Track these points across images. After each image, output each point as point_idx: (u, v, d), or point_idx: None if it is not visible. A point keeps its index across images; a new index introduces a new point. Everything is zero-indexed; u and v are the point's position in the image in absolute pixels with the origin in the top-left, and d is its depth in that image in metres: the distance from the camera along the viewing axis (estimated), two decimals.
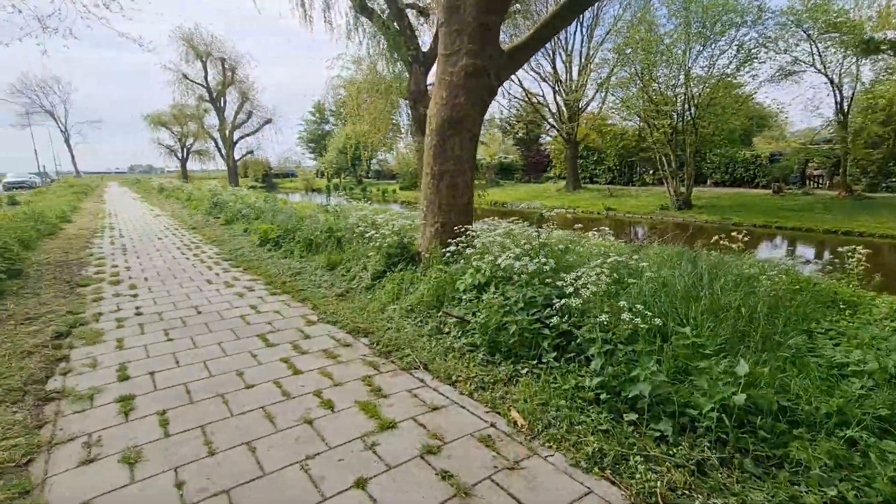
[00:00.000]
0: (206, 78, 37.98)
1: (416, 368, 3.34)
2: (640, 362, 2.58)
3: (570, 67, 27.35)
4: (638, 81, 19.50)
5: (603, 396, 2.63)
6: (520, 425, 2.56)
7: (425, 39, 15.81)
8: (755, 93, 19.75)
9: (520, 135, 38.16)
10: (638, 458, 2.21)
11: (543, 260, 3.57)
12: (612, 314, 2.88)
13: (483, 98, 5.27)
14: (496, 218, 5.77)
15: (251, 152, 44.71)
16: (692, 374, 2.59)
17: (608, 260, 3.38)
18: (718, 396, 2.30)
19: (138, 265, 7.16)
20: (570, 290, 3.11)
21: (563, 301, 3.09)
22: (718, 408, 2.28)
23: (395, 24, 14.61)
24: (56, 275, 6.35)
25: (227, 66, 37.81)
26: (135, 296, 5.38)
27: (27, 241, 8.34)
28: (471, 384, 3.04)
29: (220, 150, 42.39)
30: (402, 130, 20.85)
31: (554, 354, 3.07)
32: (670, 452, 2.23)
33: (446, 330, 3.87)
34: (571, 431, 2.45)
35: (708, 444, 2.24)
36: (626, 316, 2.73)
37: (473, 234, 4.80)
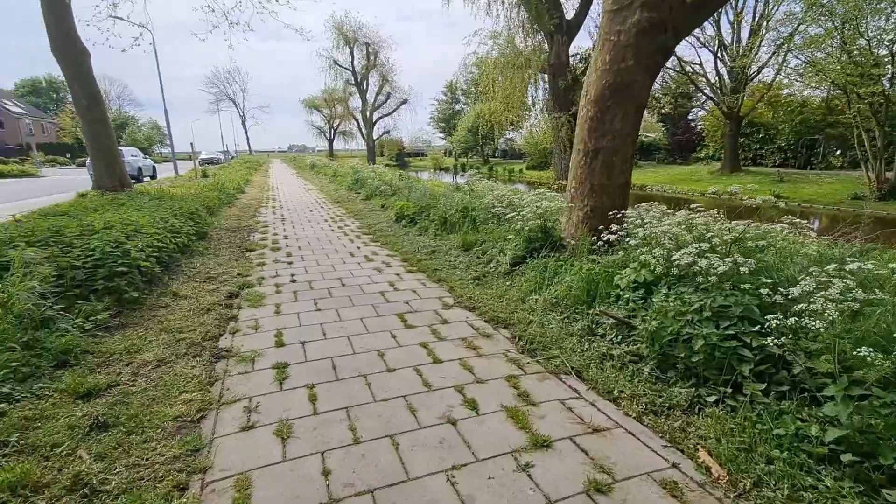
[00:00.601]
0: (352, 63, 41.09)
1: (566, 374, 2.91)
2: None
3: (739, 28, 23.19)
4: (836, 38, 15.63)
5: (845, 458, 1.91)
6: (716, 475, 1.99)
7: (570, 6, 14.63)
8: None
9: (665, 110, 34.10)
10: None
11: (741, 259, 2.80)
12: (855, 344, 2.08)
13: (656, 61, 4.44)
14: (656, 204, 4.95)
15: (388, 132, 47.55)
16: None
17: (847, 267, 2.48)
18: None
19: (294, 234, 7.87)
20: (793, 302, 2.35)
21: (775, 317, 2.35)
22: None
23: None
24: (231, 239, 7.27)
25: (370, 50, 40.31)
26: (290, 263, 5.83)
27: (212, 209, 9.79)
28: (638, 404, 2.51)
29: (361, 130, 45.86)
30: (536, 107, 19.87)
31: (760, 386, 2.37)
32: None
33: (600, 332, 3.35)
34: (797, 499, 1.81)
35: None
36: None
37: (633, 220, 4.12)
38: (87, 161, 21.92)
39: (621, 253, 3.90)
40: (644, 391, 2.62)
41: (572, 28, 13.57)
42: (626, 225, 4.31)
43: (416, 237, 7.13)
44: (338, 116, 53.28)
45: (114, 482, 1.90)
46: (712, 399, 2.46)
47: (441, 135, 70.62)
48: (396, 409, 2.51)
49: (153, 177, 23.56)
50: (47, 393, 2.58)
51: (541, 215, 5.08)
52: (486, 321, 3.83)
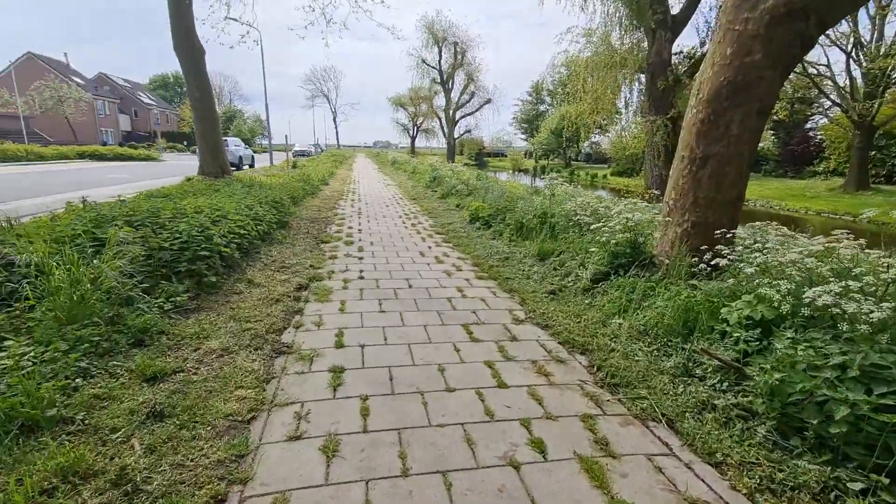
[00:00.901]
0: (439, 62, 41.63)
1: (655, 421, 2.45)
2: None
3: (883, 23, 19.93)
4: None
5: None
6: None
7: (675, 0, 13.40)
8: None
9: (779, 116, 30.48)
10: None
11: None
12: None
13: (792, 54, 3.72)
14: (774, 224, 4.20)
15: (469, 131, 47.65)
16: None
17: None
18: None
19: (367, 228, 7.94)
20: None
21: None
22: None
23: None
24: (308, 229, 7.48)
25: (458, 49, 40.54)
26: (360, 258, 5.82)
27: (296, 199, 10.25)
28: (750, 476, 2.01)
29: (442, 128, 46.39)
30: (629, 109, 18.60)
31: None
32: None
33: (699, 373, 2.82)
34: None
35: None
36: None
37: (746, 241, 3.50)
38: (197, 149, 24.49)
39: (731, 281, 3.29)
40: (758, 459, 2.11)
41: (677, 24, 12.41)
42: (737, 247, 3.68)
43: (489, 241, 6.83)
44: (422, 114, 54.43)
45: (156, 482, 1.83)
46: (857, 487, 1.90)
47: (522, 136, 69.53)
48: (453, 440, 2.24)
49: (252, 165, 25.58)
50: (119, 371, 2.65)
51: (630, 228, 4.54)
52: (560, 343, 3.43)
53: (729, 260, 3.40)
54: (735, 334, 2.81)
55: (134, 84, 64.25)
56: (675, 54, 13.26)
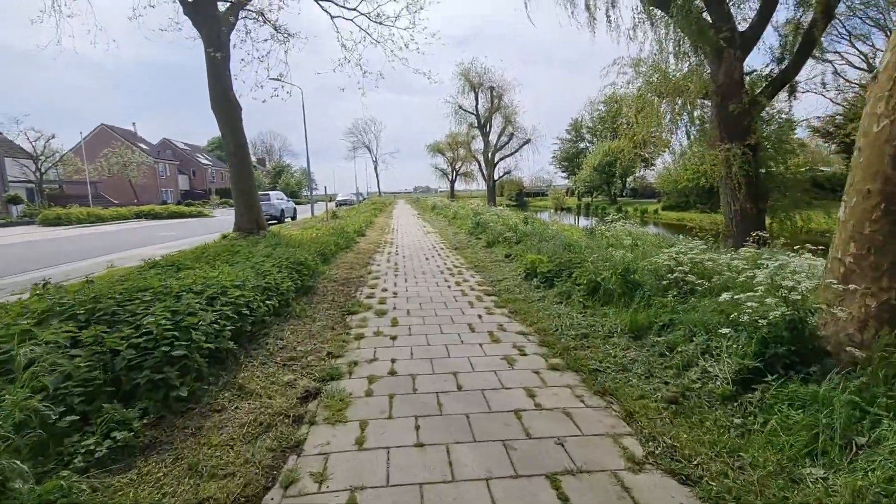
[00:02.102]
0: (476, 107, 41.77)
1: None
2: None
3: None
4: None
5: None
6: None
7: (740, 17, 12.07)
8: None
9: (853, 137, 27.60)
10: None
11: None
12: None
13: None
14: None
15: (508, 172, 47.01)
16: None
17: None
18: None
19: (405, 290, 6.72)
20: None
21: None
22: None
23: (696, 2, 11.54)
24: (335, 295, 6.36)
25: (494, 93, 40.60)
26: (393, 338, 4.54)
27: (327, 256, 9.30)
28: None
29: (482, 171, 46.00)
30: (688, 137, 16.99)
31: None
32: None
33: None
34: None
35: None
36: None
37: None
38: None
39: None
40: None
41: (747, 41, 11.02)
42: None
43: (555, 305, 5.40)
44: (460, 159, 54.61)
45: None
46: None
47: (563, 174, 68.24)
48: None
49: (294, 218, 25.65)
50: None
51: (786, 299, 3.03)
52: None
53: None
54: None
55: (193, 147, 69.19)
56: (747, 74, 11.77)
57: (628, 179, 55.53)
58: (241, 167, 12.20)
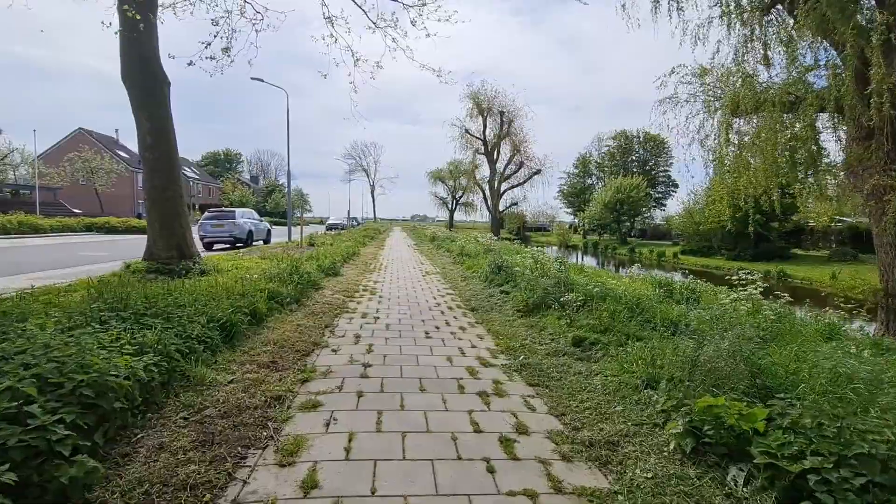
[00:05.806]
0: (483, 132, 38.79)
1: None
2: None
3: None
4: None
5: None
6: None
7: None
8: None
9: None
10: None
11: None
12: None
13: None
14: None
15: (515, 204, 43.67)
16: None
17: None
18: None
19: (384, 443, 2.74)
20: None
21: None
22: None
23: None
24: (259, 384, 2.37)
25: (504, 118, 37.69)
26: None
27: (259, 315, 5.29)
28: None
29: (486, 200, 42.66)
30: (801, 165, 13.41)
31: None
32: None
33: None
34: None
35: None
36: None
37: None
38: (200, 219, 20.82)
39: None
40: None
41: None
42: None
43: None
44: (461, 188, 51.46)
45: None
46: None
47: (568, 209, 65.31)
48: None
49: (266, 241, 21.66)
50: None
51: None
52: None
53: None
54: None
55: (182, 160, 65.73)
56: None
57: (636, 219, 52.48)
58: (160, 165, 8.30)
